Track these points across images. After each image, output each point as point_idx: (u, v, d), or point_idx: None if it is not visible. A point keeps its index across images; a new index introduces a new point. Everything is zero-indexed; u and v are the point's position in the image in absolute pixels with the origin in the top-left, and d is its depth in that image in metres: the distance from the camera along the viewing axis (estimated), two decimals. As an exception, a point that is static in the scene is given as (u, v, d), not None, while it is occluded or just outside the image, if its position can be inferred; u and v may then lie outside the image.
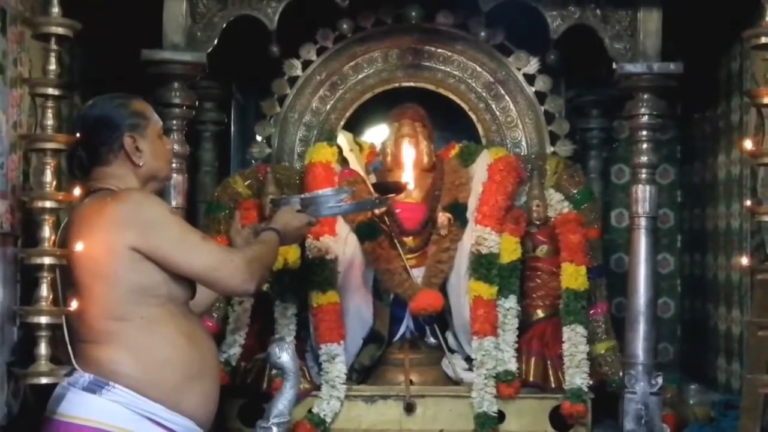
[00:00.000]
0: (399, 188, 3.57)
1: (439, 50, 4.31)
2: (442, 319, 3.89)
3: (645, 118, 3.61)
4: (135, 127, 2.71)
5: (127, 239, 2.51)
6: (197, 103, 3.71)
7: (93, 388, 2.52)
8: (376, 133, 4.38)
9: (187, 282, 2.67)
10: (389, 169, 3.96)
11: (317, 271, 3.70)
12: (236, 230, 3.19)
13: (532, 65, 4.27)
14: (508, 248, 3.79)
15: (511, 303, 3.77)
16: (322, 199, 3.23)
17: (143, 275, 2.55)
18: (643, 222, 3.64)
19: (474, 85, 4.31)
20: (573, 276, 3.78)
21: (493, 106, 4.31)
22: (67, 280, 2.60)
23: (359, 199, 3.59)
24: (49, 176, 2.68)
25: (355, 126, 4.36)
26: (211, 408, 2.71)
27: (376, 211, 3.77)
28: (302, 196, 3.33)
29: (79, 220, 2.58)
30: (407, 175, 3.78)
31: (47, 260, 2.60)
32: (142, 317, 2.55)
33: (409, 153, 3.91)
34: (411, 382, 3.72)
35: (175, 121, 3.54)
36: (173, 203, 3.53)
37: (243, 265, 2.67)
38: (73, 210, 2.68)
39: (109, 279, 2.52)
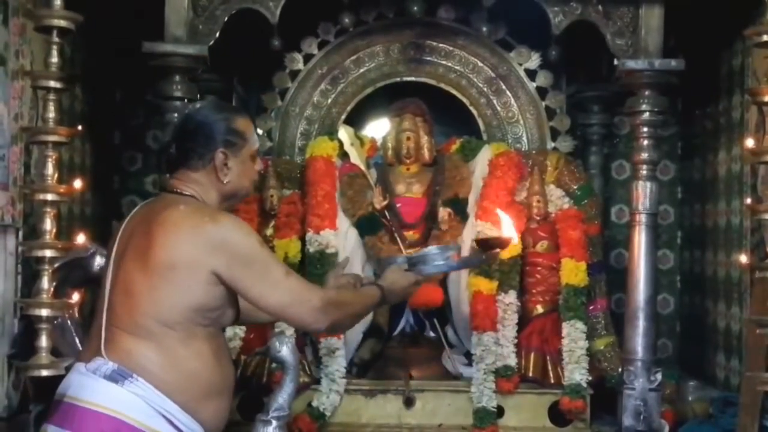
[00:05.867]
0: (503, 243, 3.25)
1: (441, 45, 4.31)
2: (442, 313, 3.89)
3: (646, 115, 3.61)
4: (230, 145, 2.68)
5: (213, 264, 2.51)
6: (198, 96, 3.70)
7: (116, 378, 2.51)
8: (378, 128, 4.37)
9: (237, 309, 2.68)
10: (390, 164, 3.96)
11: (318, 265, 3.71)
12: (335, 275, 3.11)
13: (534, 61, 4.26)
14: (508, 244, 3.79)
15: (510, 298, 3.78)
16: (429, 257, 3.15)
17: (209, 297, 2.55)
18: (643, 218, 3.64)
19: (475, 80, 4.31)
20: (573, 272, 3.79)
21: (495, 101, 4.31)
22: (129, 259, 2.57)
23: (465, 256, 3.49)
24: (50, 169, 2.69)
25: (356, 120, 4.35)
26: (222, 423, 2.73)
27: (377, 206, 3.78)
28: (410, 255, 3.27)
29: (172, 221, 2.53)
30: (509, 230, 3.26)
31: (48, 253, 2.60)
32: (186, 330, 2.56)
33: (409, 148, 3.91)
34: (410, 377, 3.73)
35: (176, 115, 3.53)
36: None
37: (320, 305, 2.64)
38: (157, 199, 2.65)
39: (178, 289, 2.51)
